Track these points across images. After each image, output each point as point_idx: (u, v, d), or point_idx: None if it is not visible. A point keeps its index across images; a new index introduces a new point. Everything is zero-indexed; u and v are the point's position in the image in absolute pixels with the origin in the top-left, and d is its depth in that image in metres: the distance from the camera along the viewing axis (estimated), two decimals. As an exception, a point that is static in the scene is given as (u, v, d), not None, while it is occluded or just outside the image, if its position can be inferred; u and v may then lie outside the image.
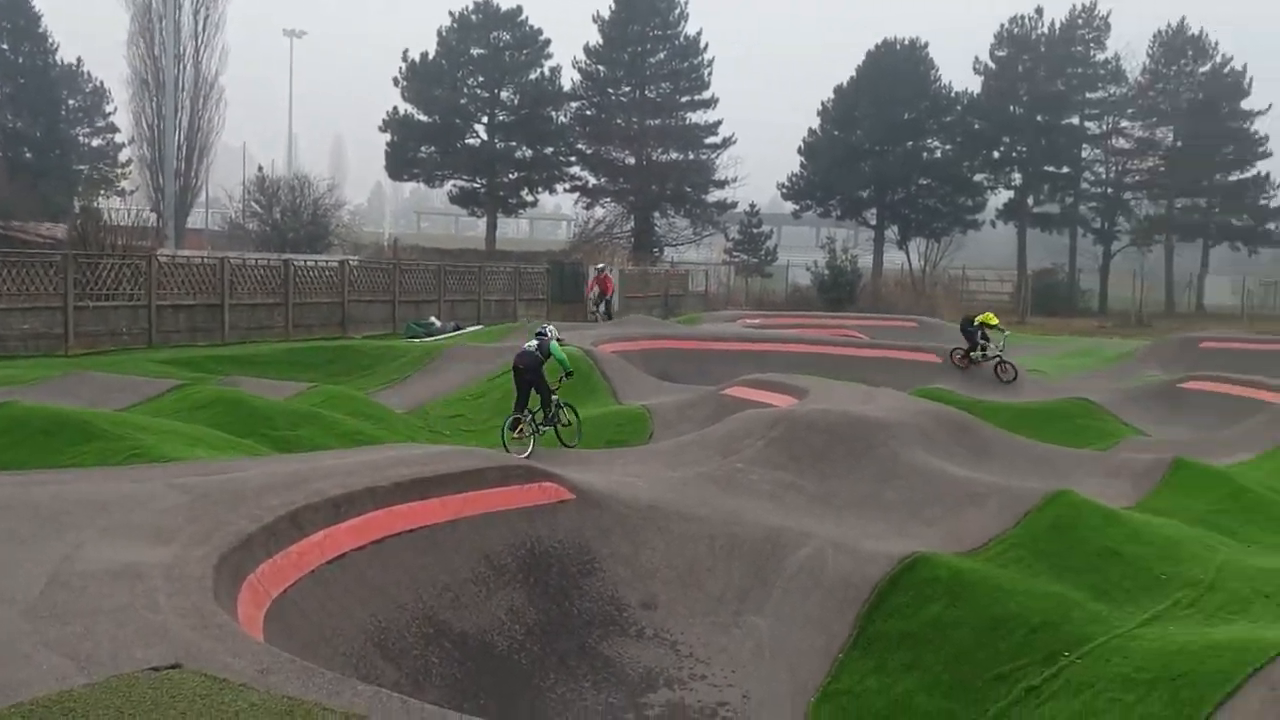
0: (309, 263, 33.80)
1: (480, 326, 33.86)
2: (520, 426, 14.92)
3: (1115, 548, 10.46)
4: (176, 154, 53.70)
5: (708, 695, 8.98)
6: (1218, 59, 68.50)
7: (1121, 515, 11.37)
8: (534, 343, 14.98)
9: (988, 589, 9.56)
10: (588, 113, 66.72)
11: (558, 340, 15.37)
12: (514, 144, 65.04)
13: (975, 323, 25.23)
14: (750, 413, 14.56)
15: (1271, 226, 69.63)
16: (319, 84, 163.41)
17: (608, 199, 66.46)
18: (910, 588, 9.65)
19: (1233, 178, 68.86)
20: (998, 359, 24.44)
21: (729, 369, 22.26)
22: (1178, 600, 9.72)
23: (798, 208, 71.08)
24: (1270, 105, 68.81)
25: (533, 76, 64.45)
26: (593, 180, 67.02)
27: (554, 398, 15.07)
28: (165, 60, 53.22)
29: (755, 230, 65.85)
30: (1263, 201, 68.83)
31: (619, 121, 65.78)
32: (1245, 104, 68.35)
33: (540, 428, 15.12)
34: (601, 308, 36.33)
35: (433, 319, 33.04)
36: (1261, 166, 68.72)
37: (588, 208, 66.55)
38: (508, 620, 9.09)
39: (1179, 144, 68.03)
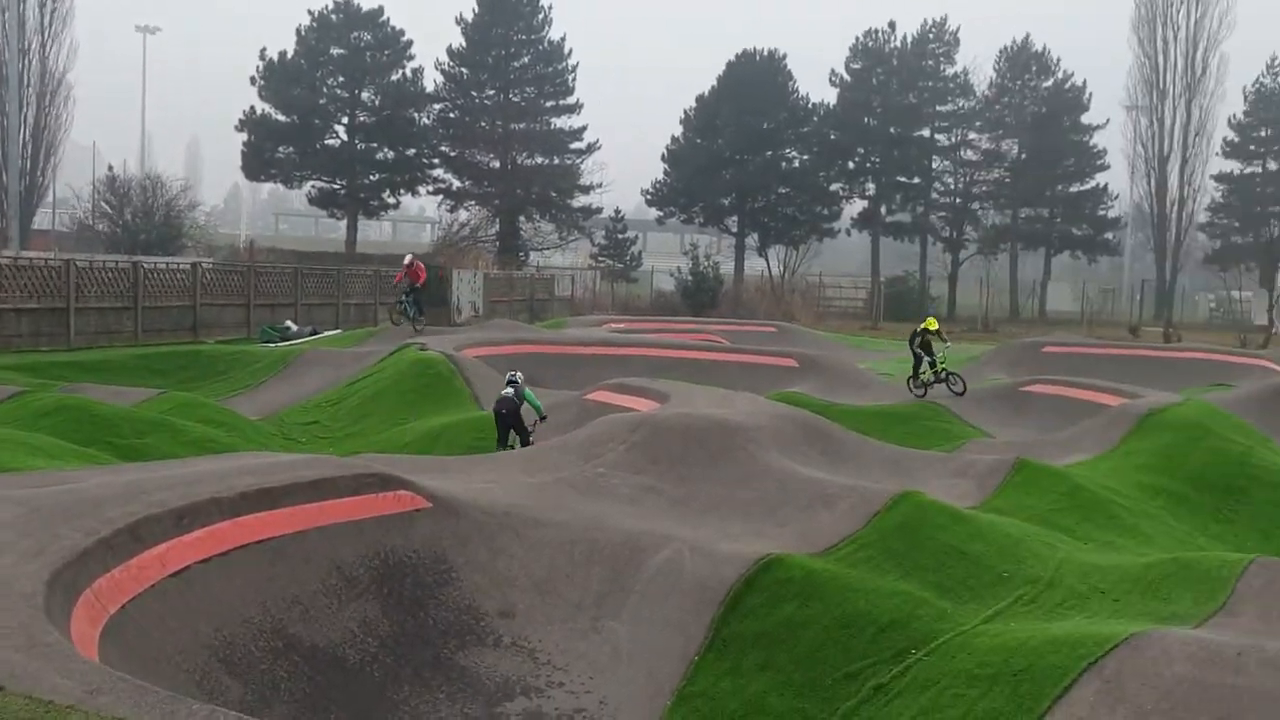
0: (160, 265, 32.60)
1: (339, 331, 33.20)
2: None
3: (960, 546, 10.82)
4: (21, 152, 51.69)
5: (565, 702, 8.96)
6: (1059, 75, 71.83)
7: (966, 515, 11.77)
8: (509, 390, 15.93)
9: (838, 589, 9.78)
10: (451, 115, 66.06)
11: (528, 388, 16.37)
12: (375, 145, 63.94)
13: (918, 334, 23.25)
14: (612, 417, 14.59)
15: (1109, 236, 73.33)
16: (174, 82, 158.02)
17: (472, 202, 65.90)
18: (764, 589, 9.80)
19: (1073, 189, 72.29)
20: (944, 371, 22.90)
21: (593, 373, 22.30)
22: (1019, 597, 10.11)
23: (662, 214, 71.73)
24: (1108, 120, 72.59)
25: (394, 77, 63.52)
26: (457, 183, 66.36)
27: (531, 439, 15.81)
28: (8, 54, 50.94)
29: (621, 236, 66.19)
30: (1101, 212, 72.44)
31: (483, 124, 65.31)
32: (1085, 118, 71.89)
33: None
34: (410, 301, 29.87)
35: (289, 323, 32.20)
36: (1100, 179, 72.50)
37: (452, 210, 65.88)
38: (360, 632, 8.90)
39: (1023, 156, 71.05)
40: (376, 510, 9.96)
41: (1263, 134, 73.36)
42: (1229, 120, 74.54)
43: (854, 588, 9.82)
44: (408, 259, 30.69)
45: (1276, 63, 73.47)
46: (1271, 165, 73.31)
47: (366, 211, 66.67)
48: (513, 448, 15.51)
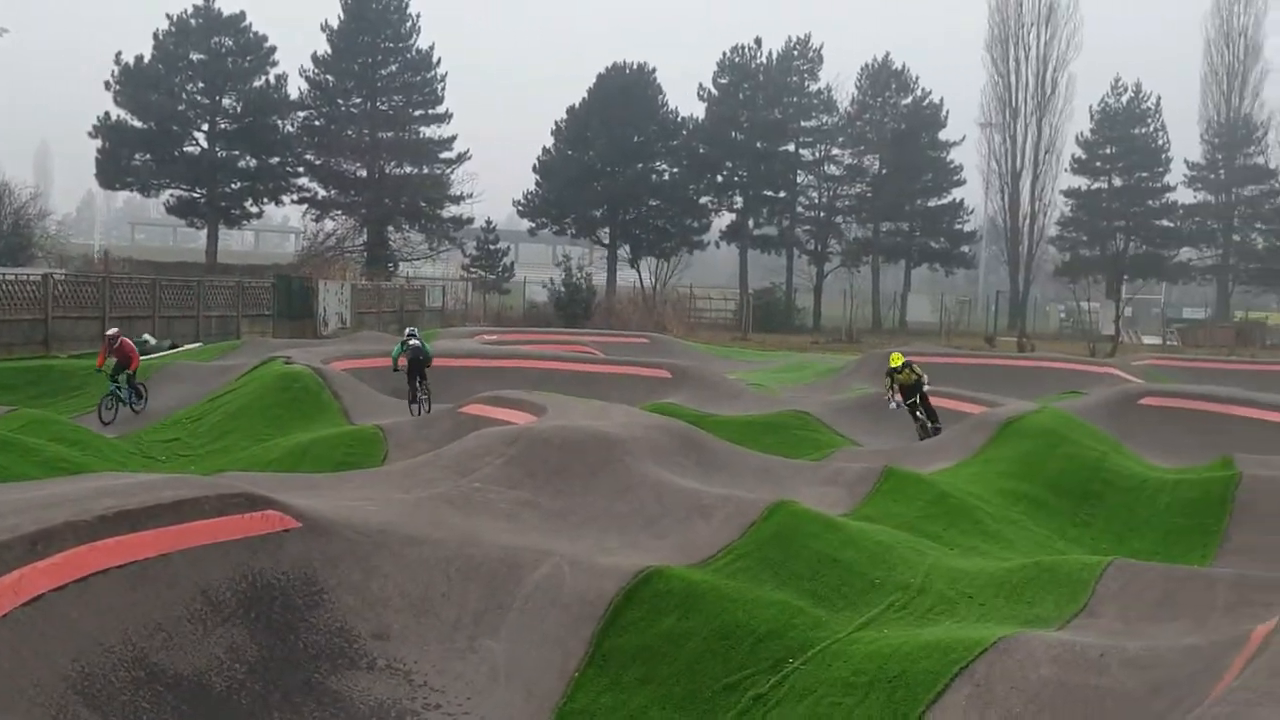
0: (9, 276, 31.04)
1: (199, 344, 32.09)
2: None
3: (833, 554, 11.00)
4: None
5: (443, 724, 8.79)
6: (918, 92, 74.18)
7: (838, 522, 11.96)
8: (415, 341, 20.97)
9: (717, 599, 9.82)
10: (316, 123, 64.70)
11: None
12: (237, 153, 62.20)
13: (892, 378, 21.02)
14: (488, 431, 14.41)
15: (965, 249, 76.00)
16: (22, 86, 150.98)
17: (338, 212, 64.63)
18: (644, 601, 9.78)
19: (931, 204, 74.69)
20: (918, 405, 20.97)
21: (467, 386, 22.00)
22: (891, 603, 10.31)
23: (534, 225, 71.53)
24: (964, 136, 75.28)
25: (257, 84, 61.90)
26: (322, 192, 65.03)
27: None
28: None
29: (492, 247, 65.76)
30: (957, 226, 75.07)
31: (349, 133, 64.12)
32: (942, 135, 74.41)
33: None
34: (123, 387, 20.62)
35: (147, 336, 30.97)
36: (956, 194, 75.17)
37: (317, 220, 64.53)
38: (227, 659, 8.57)
39: (884, 171, 73.08)
40: (243, 531, 9.60)
41: (1108, 151, 77.02)
42: (1077, 138, 78.27)
43: (732, 598, 9.87)
44: (112, 331, 21.24)
45: (1120, 83, 77.29)
46: (1117, 181, 77.04)
47: (228, 221, 64.74)
48: (425, 398, 20.67)
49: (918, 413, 20.92)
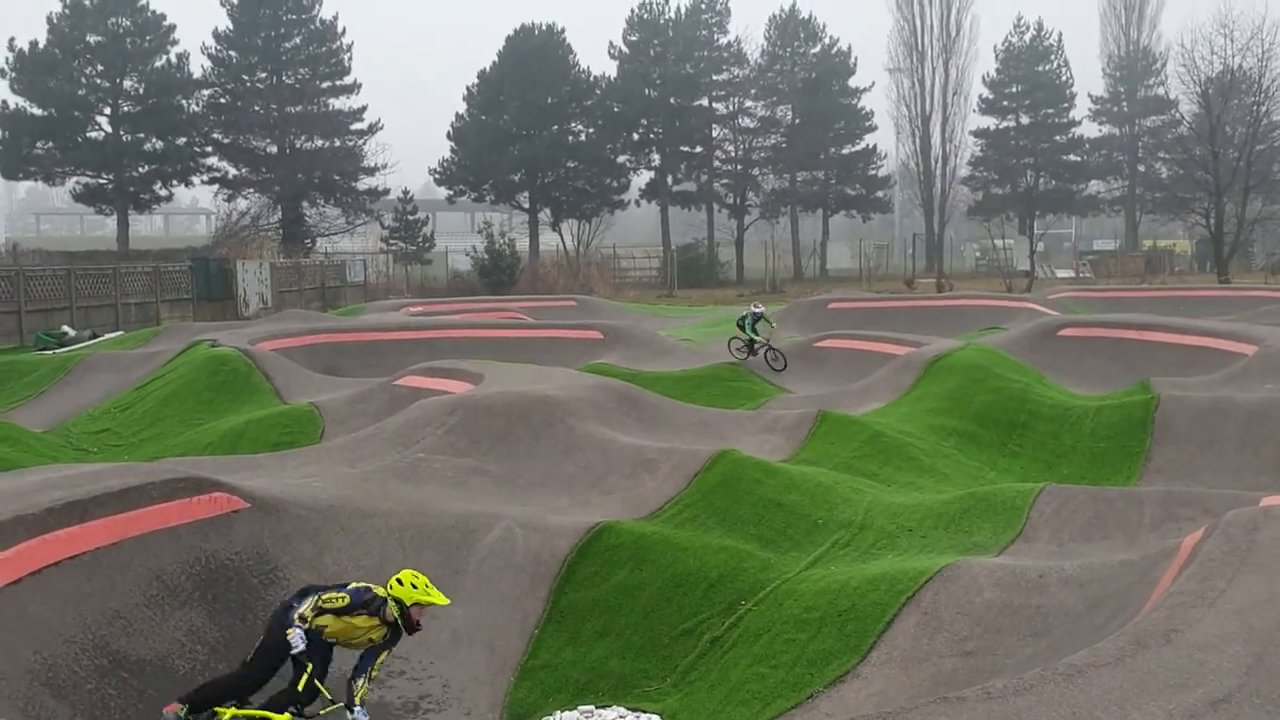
0: (-83, 276, 30.13)
1: (121, 333, 31.45)
2: None
3: (777, 498, 11.31)
4: None
5: (408, 689, 8.93)
6: (826, 41, 74.64)
7: (779, 468, 12.29)
8: None
9: (668, 549, 10.08)
10: (222, 101, 63.20)
11: None
12: (142, 136, 60.60)
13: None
14: (427, 401, 14.45)
15: (880, 194, 77.02)
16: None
17: (251, 190, 63.33)
18: (597, 556, 10.00)
19: (845, 151, 75.44)
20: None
21: (399, 359, 21.93)
22: (835, 541, 10.66)
23: (452, 193, 70.89)
24: (873, 83, 76.03)
25: (158, 64, 60.30)
26: (233, 171, 63.67)
27: None
28: None
29: (411, 217, 64.97)
30: (871, 172, 75.97)
31: (257, 109, 62.75)
32: (852, 82, 75.04)
33: None
34: None
35: (65, 328, 30.28)
36: (869, 140, 76.00)
37: (229, 200, 63.14)
38: (188, 642, 8.61)
39: (797, 121, 73.55)
40: (192, 515, 9.60)
41: (1013, 90, 78.36)
42: (983, 78, 79.56)
43: (682, 547, 10.14)
44: None
45: (1022, 22, 78.57)
46: (1024, 119, 78.47)
47: (137, 206, 63.22)
48: None
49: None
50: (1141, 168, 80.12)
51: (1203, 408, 15.65)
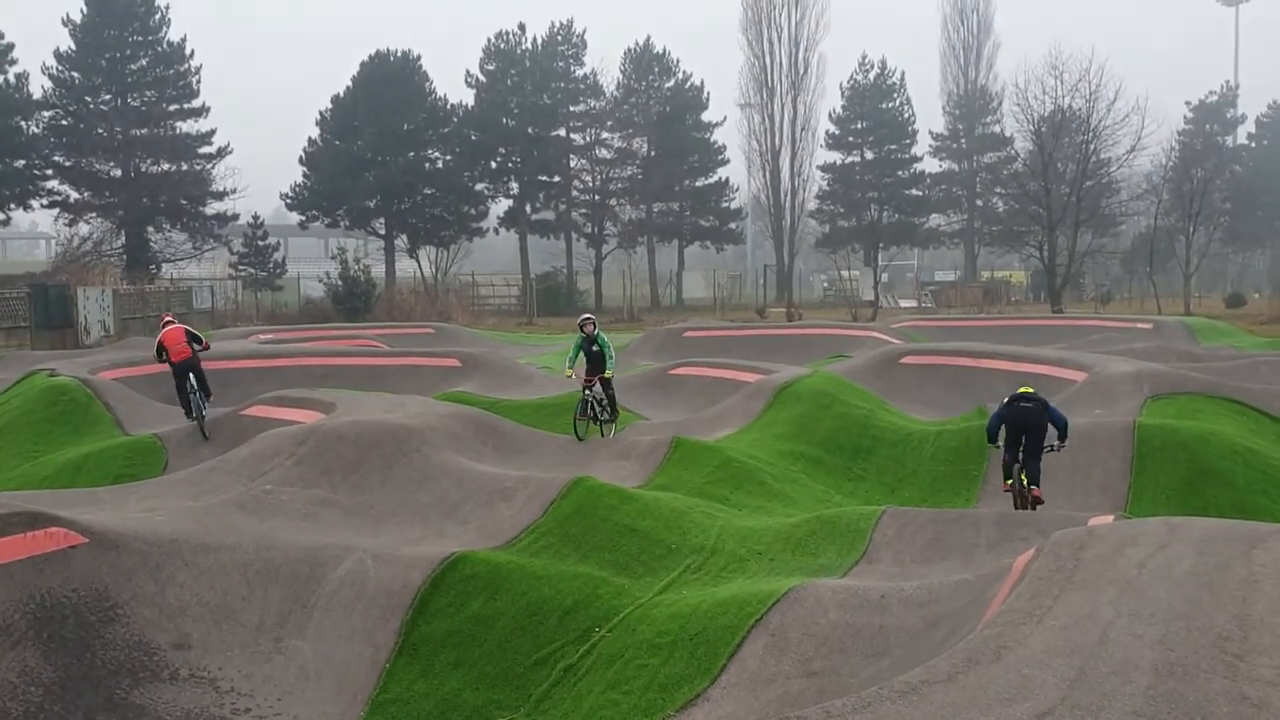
0: None
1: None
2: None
3: (631, 524, 11.45)
4: None
5: (254, 728, 8.71)
6: (680, 75, 75.97)
7: (633, 494, 12.42)
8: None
9: (523, 578, 10.09)
10: (64, 122, 60.36)
11: None
12: (-22, 158, 57.43)
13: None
14: (276, 432, 14.13)
15: (733, 226, 78.57)
16: None
17: (93, 214, 60.58)
18: (451, 587, 9.94)
19: (699, 183, 76.74)
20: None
21: (246, 388, 21.36)
22: (688, 565, 10.84)
23: (304, 218, 69.39)
24: (725, 117, 77.66)
25: (-4, 84, 57.31)
26: (74, 194, 60.81)
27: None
28: None
29: (261, 242, 63.21)
30: (725, 204, 77.49)
31: (100, 131, 60.16)
32: (705, 116, 76.49)
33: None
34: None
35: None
36: (722, 173, 77.54)
37: (71, 224, 60.26)
38: (20, 683, 8.23)
39: (653, 153, 74.54)
40: (27, 550, 9.19)
41: (858, 126, 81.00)
42: (830, 115, 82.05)
43: (538, 575, 10.17)
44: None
45: (867, 60, 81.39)
46: (869, 154, 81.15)
47: (-29, 230, 59.94)
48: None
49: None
50: (980, 202, 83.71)
51: (1034, 432, 16.41)
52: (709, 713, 8.06)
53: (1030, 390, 13.40)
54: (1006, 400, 13.32)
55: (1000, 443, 13.23)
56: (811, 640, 8.63)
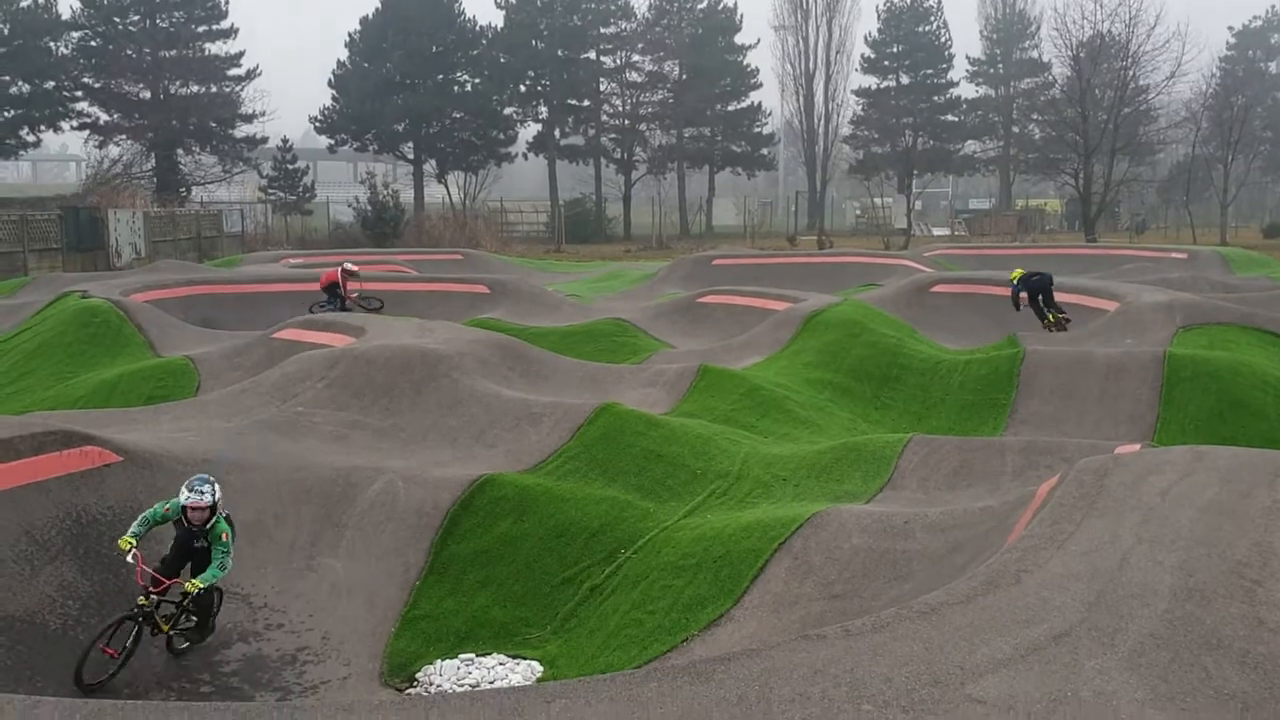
0: None
1: (-18, 284, 30.16)
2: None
3: (657, 450, 11.55)
4: None
5: (286, 642, 8.92)
6: (712, -4, 74.68)
7: (660, 420, 12.51)
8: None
9: (550, 500, 10.23)
10: (93, 43, 60.33)
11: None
12: (7, 79, 57.37)
13: None
14: (307, 354, 14.27)
15: (765, 152, 77.70)
16: None
17: (123, 136, 60.74)
18: (480, 508, 10.09)
19: (731, 108, 75.79)
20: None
21: (278, 312, 21.50)
22: (713, 490, 10.95)
23: (333, 142, 69.27)
24: (759, 40, 76.59)
25: (24, 4, 57.06)
26: (104, 117, 60.96)
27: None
28: None
29: (290, 166, 63.24)
30: (757, 129, 76.54)
31: (129, 52, 60.07)
32: (738, 39, 75.28)
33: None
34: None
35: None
36: (754, 97, 76.40)
37: (100, 147, 60.48)
38: (59, 597, 8.47)
39: (684, 77, 73.61)
40: (63, 469, 9.40)
41: (895, 50, 79.68)
42: (865, 38, 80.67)
43: (564, 498, 10.30)
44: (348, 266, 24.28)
45: (905, -18, 79.72)
46: (904, 79, 79.87)
47: (2, 152, 60.21)
48: None
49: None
50: (1016, 129, 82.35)
51: (1066, 362, 16.37)
52: (732, 632, 8.19)
53: (1025, 271, 21.40)
54: (1020, 278, 21.05)
55: (1023, 307, 20.77)
56: (834, 564, 8.72)
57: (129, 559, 8.02)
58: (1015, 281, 21.26)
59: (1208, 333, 18.19)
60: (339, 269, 23.82)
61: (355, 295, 23.71)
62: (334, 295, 23.22)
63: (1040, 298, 21.01)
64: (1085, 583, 5.53)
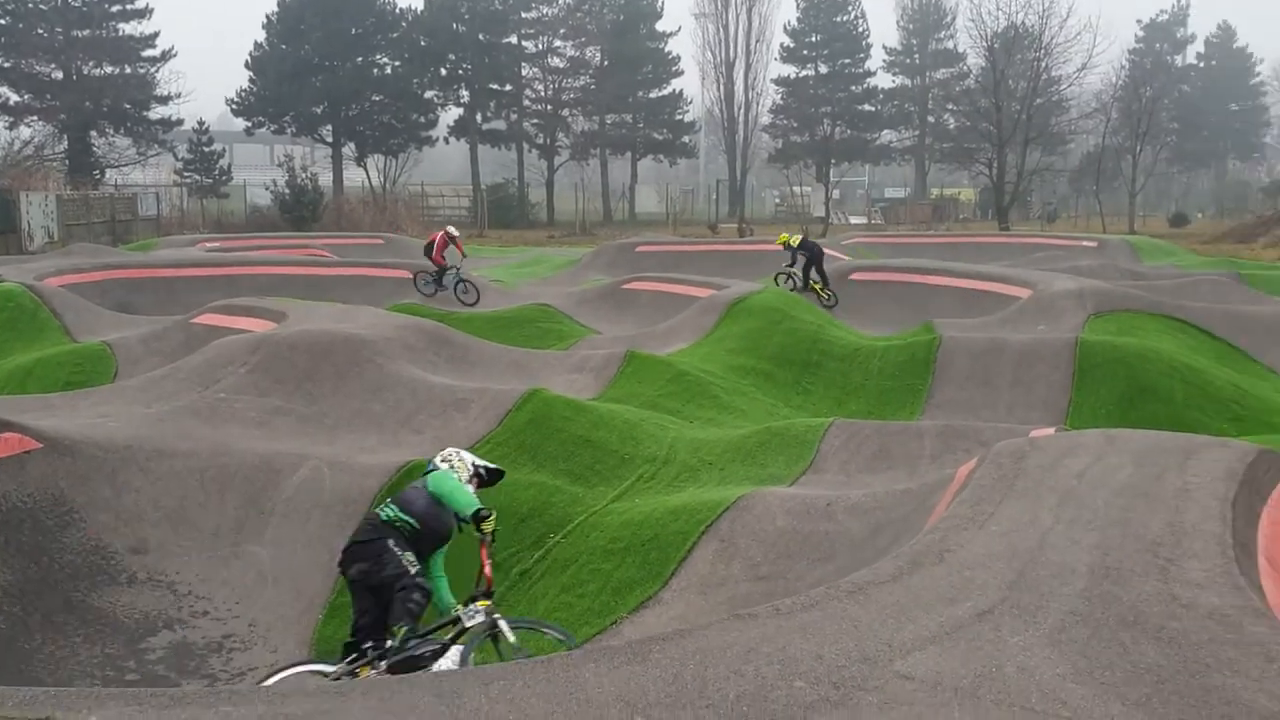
0: None
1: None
2: None
3: (585, 435, 11.62)
4: None
5: (212, 630, 8.85)
6: (634, -18, 74.59)
7: (588, 405, 12.59)
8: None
9: (478, 486, 10.23)
10: (2, 22, 58.32)
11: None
12: (-87, 58, 55.50)
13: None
14: (228, 339, 14.05)
15: (686, 139, 77.92)
16: None
17: (34, 118, 58.99)
18: (407, 495, 10.06)
19: (653, 95, 75.83)
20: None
21: (196, 297, 21.11)
22: (640, 475, 11.06)
23: (250, 124, 67.84)
24: (680, 27, 76.68)
25: (-73, -19, 55.09)
26: (14, 97, 59.12)
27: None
28: None
29: (206, 149, 61.83)
30: (678, 117, 76.68)
31: (40, 31, 58.20)
32: (659, 26, 75.36)
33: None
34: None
35: None
36: (675, 84, 76.62)
37: (11, 128, 58.68)
38: (-23, 587, 8.30)
39: (606, 63, 73.46)
40: (-20, 456, 9.19)
41: (813, 39, 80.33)
42: (785, 27, 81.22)
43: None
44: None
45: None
46: (823, 68, 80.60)
47: (-95, 135, 58.15)
48: None
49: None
50: (931, 119, 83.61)
51: (981, 348, 16.80)
52: (660, 614, 8.32)
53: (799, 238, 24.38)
54: (801, 242, 23.90)
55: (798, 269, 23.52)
56: (760, 545, 8.88)
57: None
58: (795, 245, 23.82)
59: (1117, 319, 18.78)
60: (442, 233, 25.34)
61: (450, 267, 24.48)
62: (440, 269, 24.48)
63: (812, 268, 23.55)
64: (1006, 562, 5.70)
